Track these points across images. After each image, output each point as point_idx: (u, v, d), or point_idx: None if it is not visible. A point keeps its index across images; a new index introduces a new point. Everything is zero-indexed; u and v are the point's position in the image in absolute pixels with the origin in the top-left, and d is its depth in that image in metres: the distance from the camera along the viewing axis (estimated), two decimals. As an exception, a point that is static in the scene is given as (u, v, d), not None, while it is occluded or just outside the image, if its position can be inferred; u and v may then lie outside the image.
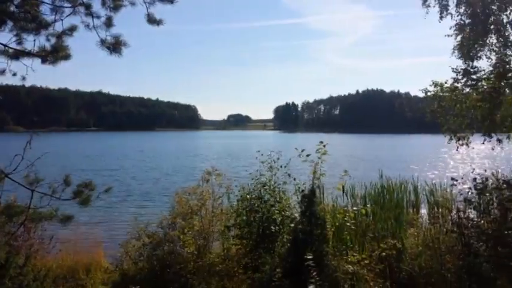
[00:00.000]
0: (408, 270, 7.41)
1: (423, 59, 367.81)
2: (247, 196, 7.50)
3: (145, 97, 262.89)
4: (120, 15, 5.66)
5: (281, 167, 7.66)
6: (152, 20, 5.84)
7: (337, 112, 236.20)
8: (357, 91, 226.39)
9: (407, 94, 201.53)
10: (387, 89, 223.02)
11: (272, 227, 7.01)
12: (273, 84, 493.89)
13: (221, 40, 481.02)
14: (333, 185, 7.13)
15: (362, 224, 9.46)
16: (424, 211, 15.37)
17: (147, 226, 8.05)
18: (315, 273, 4.57)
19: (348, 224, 6.71)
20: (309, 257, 4.73)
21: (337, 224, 6.68)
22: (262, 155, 7.70)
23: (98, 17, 5.50)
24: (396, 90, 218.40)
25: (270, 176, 7.61)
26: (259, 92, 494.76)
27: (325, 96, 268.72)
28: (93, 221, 14.34)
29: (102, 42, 5.50)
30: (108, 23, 5.53)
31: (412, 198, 16.44)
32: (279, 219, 7.16)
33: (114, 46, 5.43)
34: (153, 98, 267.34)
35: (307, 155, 6.41)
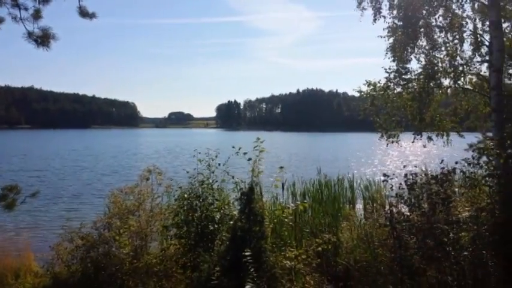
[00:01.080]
0: (344, 263, 7.65)
1: (360, 60, 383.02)
2: (185, 195, 7.39)
3: (81, 93, 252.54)
4: (50, 8, 5.41)
5: (219, 165, 7.62)
6: (84, 13, 5.62)
7: (278, 111, 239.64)
8: (298, 90, 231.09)
9: (345, 94, 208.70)
10: (326, 89, 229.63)
11: (211, 226, 6.96)
12: (214, 82, 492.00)
13: (161, 36, 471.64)
14: (274, 182, 7.20)
15: (300, 220, 9.68)
16: (359, 206, 16.01)
17: (80, 228, 7.71)
18: (252, 270, 4.58)
19: (286, 220, 6.80)
20: (247, 254, 4.74)
21: (275, 220, 6.76)
22: (199, 153, 7.62)
23: (26, 9, 5.22)
24: (335, 90, 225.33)
25: (209, 174, 7.55)
26: (201, 89, 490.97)
27: (266, 94, 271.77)
28: (20, 225, 13.57)
29: (29, 34, 5.24)
30: (36, 15, 5.26)
31: (349, 194, 17.08)
32: (218, 217, 7.13)
33: (42, 39, 5.17)
34: (89, 94, 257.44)
35: (245, 153, 6.42)
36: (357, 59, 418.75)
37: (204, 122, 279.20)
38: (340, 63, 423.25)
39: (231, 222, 5.98)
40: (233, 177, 7.06)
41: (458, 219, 6.97)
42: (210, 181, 7.61)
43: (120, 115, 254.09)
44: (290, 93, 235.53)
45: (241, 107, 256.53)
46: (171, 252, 7.38)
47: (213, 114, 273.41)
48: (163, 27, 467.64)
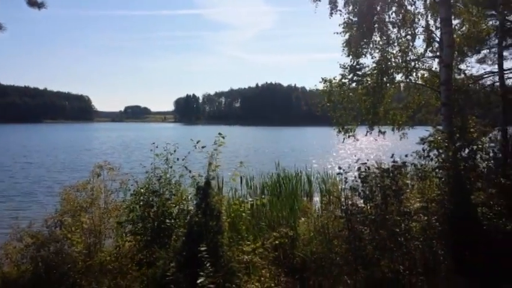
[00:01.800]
0: (301, 256, 7.75)
1: (319, 55, 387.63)
2: (141, 190, 7.23)
3: (32, 86, 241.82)
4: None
5: (177, 159, 7.50)
6: (32, 3, 5.35)
7: (238, 105, 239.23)
8: (257, 85, 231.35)
9: (303, 88, 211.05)
10: (285, 83, 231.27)
11: (168, 221, 6.85)
12: (172, 76, 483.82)
13: (117, 28, 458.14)
14: (232, 176, 7.15)
15: (258, 214, 9.73)
16: (317, 199, 16.30)
17: (30, 226, 7.40)
18: (208, 265, 4.55)
19: (244, 214, 6.80)
20: (202, 249, 4.69)
21: (232, 215, 6.74)
22: (157, 147, 7.47)
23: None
24: (293, 85, 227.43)
25: (166, 169, 7.41)
26: (158, 83, 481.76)
27: (226, 89, 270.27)
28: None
29: (-30, 23, 4.91)
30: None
31: (307, 187, 17.36)
32: (175, 212, 7.03)
33: (-15, 28, 4.85)
34: (41, 87, 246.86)
35: (203, 147, 6.35)
36: (315, 54, 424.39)
37: (162, 116, 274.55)
38: (298, 58, 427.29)
39: (188, 218, 5.91)
40: (190, 171, 6.97)
41: (409, 210, 7.21)
42: (168, 176, 7.49)
43: (74, 109, 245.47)
44: (249, 87, 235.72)
45: (200, 101, 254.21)
46: (126, 249, 7.21)
47: (171, 108, 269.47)
48: (119, 19, 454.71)
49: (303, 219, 9.29)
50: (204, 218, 5.30)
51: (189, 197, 7.07)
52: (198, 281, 4.45)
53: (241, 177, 16.42)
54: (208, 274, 4.46)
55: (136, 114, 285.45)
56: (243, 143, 62.21)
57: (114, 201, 8.13)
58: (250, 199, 7.33)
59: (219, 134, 6.05)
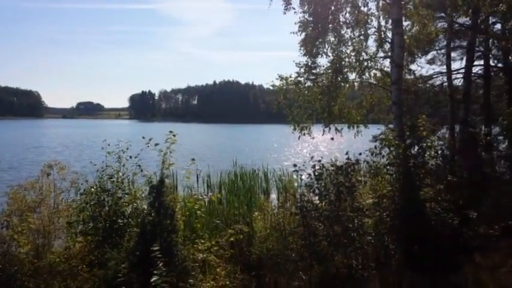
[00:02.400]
0: (257, 253, 7.78)
1: (276, 53, 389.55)
2: (92, 189, 7.00)
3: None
4: None
5: (130, 157, 7.31)
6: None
7: (195, 102, 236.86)
8: (214, 82, 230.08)
9: (260, 86, 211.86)
10: (242, 81, 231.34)
11: (120, 221, 6.67)
12: (126, 71, 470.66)
13: (66, 21, 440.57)
14: (186, 174, 7.04)
15: (215, 211, 9.67)
16: (274, 196, 16.42)
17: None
18: (161, 265, 4.47)
19: (199, 212, 6.73)
20: (155, 248, 4.60)
21: (187, 213, 6.66)
22: (109, 145, 7.25)
23: None
24: (251, 82, 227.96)
25: (118, 167, 7.21)
26: (112, 79, 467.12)
27: (182, 85, 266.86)
28: None
29: None
30: None
31: (264, 184, 17.45)
32: (128, 212, 6.85)
33: None
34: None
35: (156, 144, 6.23)
36: (273, 52, 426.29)
37: (116, 113, 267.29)
38: (256, 56, 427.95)
39: (141, 217, 5.77)
40: (142, 170, 6.82)
41: (362, 207, 7.41)
42: (120, 174, 7.28)
43: (23, 105, 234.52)
44: (207, 84, 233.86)
45: (156, 98, 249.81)
46: (77, 250, 6.95)
47: (126, 104, 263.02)
48: (69, 12, 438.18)
49: (258, 216, 9.32)
50: (157, 217, 5.19)
51: (143, 196, 6.90)
52: (152, 280, 4.36)
53: (197, 175, 16.28)
54: (161, 274, 4.38)
55: (89, 110, 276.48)
56: (200, 140, 61.76)
57: (65, 201, 7.86)
58: (204, 196, 7.26)
59: (170, 131, 5.95)
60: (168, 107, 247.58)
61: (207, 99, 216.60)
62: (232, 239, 6.54)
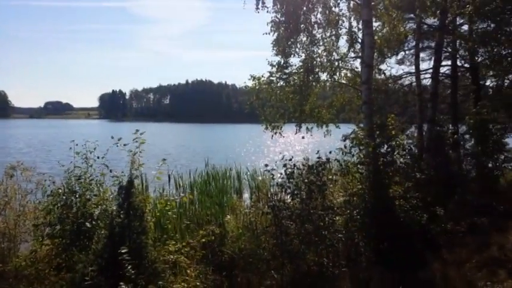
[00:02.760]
0: (229, 253, 7.75)
1: (250, 53, 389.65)
2: (59, 191, 6.80)
3: None
4: None
5: (98, 157, 7.15)
6: None
7: (167, 101, 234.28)
8: (187, 81, 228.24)
9: (233, 86, 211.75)
10: (216, 80, 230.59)
11: (88, 223, 6.51)
12: (96, 71, 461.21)
13: (31, 18, 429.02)
14: (157, 175, 6.94)
15: (186, 212, 9.58)
16: (247, 196, 16.40)
17: None
18: (130, 267, 4.38)
19: (170, 213, 6.64)
20: (123, 251, 4.51)
21: (158, 214, 6.56)
22: (76, 145, 7.07)
23: None
24: (224, 82, 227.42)
25: (86, 167, 7.03)
26: (81, 78, 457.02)
27: (154, 84, 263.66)
28: None
29: None
30: None
31: (236, 184, 17.40)
32: (97, 213, 6.69)
33: None
34: None
35: (125, 144, 6.11)
36: (247, 52, 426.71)
37: (86, 113, 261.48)
38: (230, 55, 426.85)
39: (110, 218, 5.64)
40: (111, 170, 6.67)
41: (333, 205, 7.49)
42: (88, 175, 7.11)
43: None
44: (179, 83, 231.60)
45: (127, 97, 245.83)
46: (44, 253, 6.76)
47: (96, 104, 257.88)
48: (36, 9, 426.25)
49: (230, 216, 9.29)
50: (126, 219, 5.09)
51: (111, 197, 6.76)
52: (120, 283, 4.28)
53: (169, 176, 16.10)
54: (130, 276, 4.30)
55: (57, 110, 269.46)
56: (172, 140, 61.17)
57: (31, 203, 7.64)
58: (175, 197, 7.17)
59: (137, 130, 5.85)
60: (139, 106, 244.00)
61: (179, 99, 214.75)
62: (203, 240, 6.49)
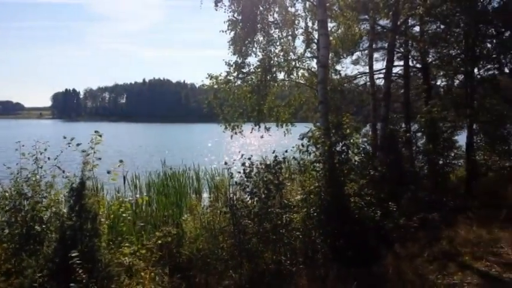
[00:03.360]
0: (187, 254, 7.66)
1: (210, 51, 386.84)
2: (7, 194, 6.49)
3: None
4: None
5: (49, 158, 6.87)
6: None
7: (123, 101, 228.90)
8: (144, 80, 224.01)
9: (192, 85, 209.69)
10: (174, 79, 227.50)
11: (38, 226, 6.25)
12: (49, 69, 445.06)
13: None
14: (112, 176, 6.74)
15: (143, 213, 9.40)
16: (206, 196, 16.31)
17: None
18: (81, 271, 4.24)
19: (125, 215, 6.48)
20: (73, 255, 4.36)
21: (112, 216, 6.39)
22: (23, 145, 6.76)
23: None
24: (182, 81, 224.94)
25: (35, 169, 6.75)
26: (33, 76, 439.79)
27: (110, 83, 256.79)
28: None
29: None
30: None
31: (195, 184, 17.27)
32: (47, 216, 6.44)
33: None
34: None
35: (78, 145, 5.90)
36: (206, 50, 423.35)
37: (38, 113, 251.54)
38: (189, 54, 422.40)
39: (61, 221, 5.44)
40: (64, 171, 6.44)
41: (291, 203, 7.56)
42: (38, 177, 6.82)
43: None
44: (136, 82, 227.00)
45: (82, 97, 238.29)
46: (-9, 259, 6.44)
47: (49, 103, 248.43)
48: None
49: (187, 216, 9.19)
50: (78, 221, 4.93)
51: (63, 200, 6.52)
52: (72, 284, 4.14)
53: (124, 177, 15.75)
54: (81, 281, 4.16)
55: (7, 110, 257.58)
56: (128, 140, 59.80)
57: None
58: (130, 198, 7.01)
59: (96, 131, 5.67)
60: (94, 106, 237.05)
61: (136, 98, 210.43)
62: (160, 241, 6.38)
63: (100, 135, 5.85)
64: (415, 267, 6.69)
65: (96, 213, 5.09)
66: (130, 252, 5.60)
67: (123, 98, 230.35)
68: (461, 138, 14.20)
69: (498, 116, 14.78)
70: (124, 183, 15.51)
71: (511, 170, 13.66)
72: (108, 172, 5.95)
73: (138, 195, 12.92)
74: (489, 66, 16.72)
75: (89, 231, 4.91)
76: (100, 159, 5.72)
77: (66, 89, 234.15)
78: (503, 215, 9.33)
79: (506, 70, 17.42)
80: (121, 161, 6.34)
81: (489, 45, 16.19)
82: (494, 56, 16.27)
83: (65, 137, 6.25)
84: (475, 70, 15.92)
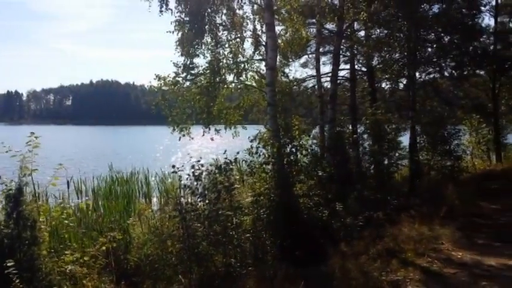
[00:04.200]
0: (135, 260, 7.48)
1: (157, 52, 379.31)
2: None
3: None
4: None
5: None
6: None
7: (69, 103, 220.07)
8: (91, 81, 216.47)
9: (142, 87, 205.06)
10: (123, 81, 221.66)
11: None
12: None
13: None
14: (61, 180, 6.48)
15: (87, 220, 9.07)
16: (156, 200, 15.98)
17: None
18: (18, 281, 4.04)
19: (67, 221, 6.23)
20: (9, 264, 4.15)
21: (53, 222, 6.13)
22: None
23: None
24: (132, 82, 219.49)
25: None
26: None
27: (55, 85, 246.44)
28: None
29: None
30: None
31: (145, 188, 16.89)
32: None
33: None
34: None
35: (17, 151, 5.61)
36: (156, 51, 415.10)
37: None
38: (139, 54, 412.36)
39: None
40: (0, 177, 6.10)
41: (241, 205, 7.57)
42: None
43: None
44: (82, 84, 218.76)
45: (25, 98, 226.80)
46: None
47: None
48: None
49: (135, 221, 8.98)
50: (16, 229, 4.69)
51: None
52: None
53: (68, 182, 15.13)
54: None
55: None
56: (74, 144, 57.66)
57: None
58: (72, 204, 6.76)
59: (31, 133, 5.42)
60: (38, 108, 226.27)
61: (83, 100, 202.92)
62: (104, 247, 6.18)
63: (36, 137, 5.59)
64: (360, 264, 6.86)
65: (36, 220, 4.86)
66: (73, 259, 5.39)
67: (69, 99, 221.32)
68: (405, 139, 14.77)
69: (439, 117, 15.51)
70: (68, 188, 14.91)
71: (451, 169, 14.33)
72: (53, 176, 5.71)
73: (83, 201, 12.45)
74: (430, 69, 17.61)
75: (27, 239, 4.68)
76: (35, 162, 5.46)
77: (8, 91, 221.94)
78: (443, 212, 9.79)
79: (446, 74, 18.42)
80: (60, 164, 6.10)
81: (430, 50, 17.04)
82: (434, 60, 17.14)
83: (2, 142, 5.93)
84: (417, 74, 16.68)
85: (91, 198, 14.54)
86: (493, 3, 19.72)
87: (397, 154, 13.25)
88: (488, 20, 37.59)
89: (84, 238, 7.27)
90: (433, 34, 16.56)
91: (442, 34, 16.60)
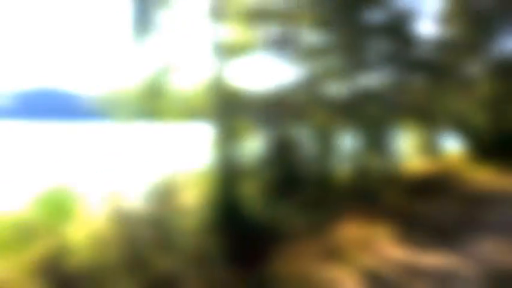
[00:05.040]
0: (72, 268, 7.09)
1: None
2: None
3: None
4: None
5: None
6: None
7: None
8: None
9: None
10: None
11: None
12: None
13: None
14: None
15: (19, 226, 8.48)
16: (96, 201, 15.29)
17: None
18: None
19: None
20: None
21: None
22: None
23: None
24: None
25: None
26: None
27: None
28: None
29: None
30: None
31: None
32: None
33: None
34: None
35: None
36: None
37: None
38: None
39: None
40: None
41: (186, 208, 7.42)
42: None
43: None
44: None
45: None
46: None
47: None
48: None
49: (71, 225, 8.53)
50: None
51: None
52: None
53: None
54: None
55: None
56: None
57: None
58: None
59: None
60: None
61: None
62: (36, 255, 5.78)
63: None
64: (301, 265, 6.91)
65: None
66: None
67: None
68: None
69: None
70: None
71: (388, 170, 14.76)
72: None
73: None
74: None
75: None
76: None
77: None
78: (380, 211, 10.05)
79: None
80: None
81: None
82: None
83: None
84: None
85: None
86: (432, 11, 20.57)
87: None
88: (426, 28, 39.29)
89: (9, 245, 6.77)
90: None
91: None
